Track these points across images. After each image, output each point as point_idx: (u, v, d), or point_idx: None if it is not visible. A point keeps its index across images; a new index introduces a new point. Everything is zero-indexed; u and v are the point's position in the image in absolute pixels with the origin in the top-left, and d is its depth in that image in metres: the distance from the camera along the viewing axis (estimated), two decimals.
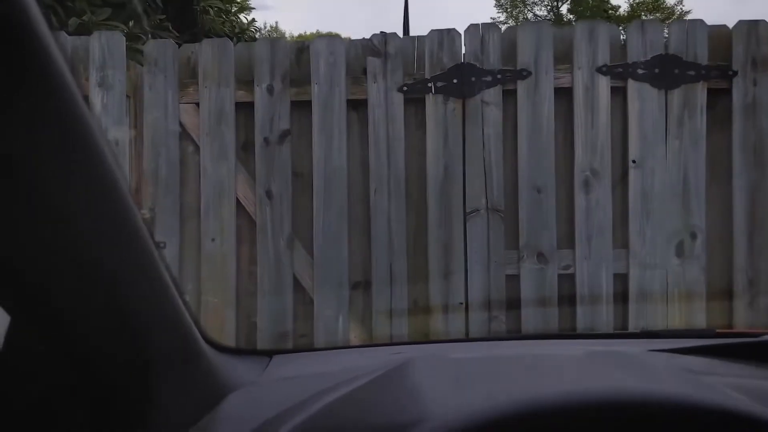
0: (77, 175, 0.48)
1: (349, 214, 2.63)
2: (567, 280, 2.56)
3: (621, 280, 2.55)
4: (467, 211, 2.59)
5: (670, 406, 0.50)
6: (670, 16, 22.31)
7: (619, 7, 23.92)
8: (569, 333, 2.30)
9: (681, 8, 23.64)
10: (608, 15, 21.93)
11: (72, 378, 0.64)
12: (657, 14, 22.03)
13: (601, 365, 0.64)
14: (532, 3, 26.22)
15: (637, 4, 23.63)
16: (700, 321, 2.48)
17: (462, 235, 2.58)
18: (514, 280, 2.57)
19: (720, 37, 2.57)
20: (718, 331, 1.09)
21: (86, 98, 0.47)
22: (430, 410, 0.54)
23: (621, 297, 2.54)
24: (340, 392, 0.69)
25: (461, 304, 2.57)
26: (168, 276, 0.65)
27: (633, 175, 2.55)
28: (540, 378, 0.60)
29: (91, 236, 0.52)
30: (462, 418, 0.51)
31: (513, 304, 2.55)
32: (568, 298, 2.55)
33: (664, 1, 23.70)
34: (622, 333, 1.86)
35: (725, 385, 0.60)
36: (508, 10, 26.48)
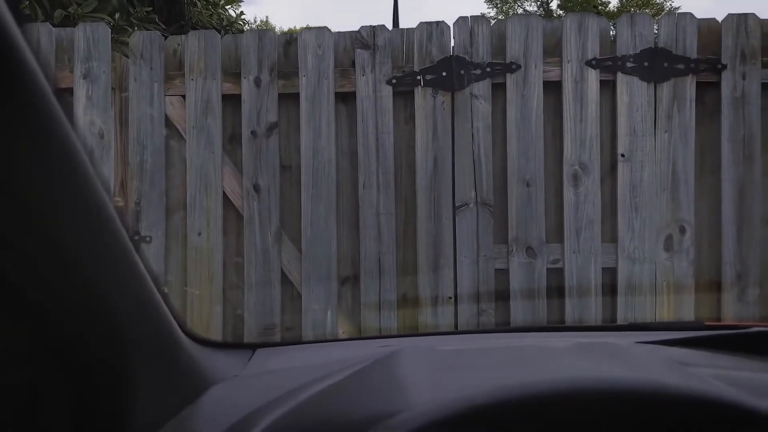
0: (51, 172, 0.47)
1: (337, 207, 2.62)
2: (556, 273, 2.56)
3: (610, 273, 2.55)
4: (456, 204, 2.58)
5: (657, 394, 0.49)
6: (659, 11, 22.41)
7: (609, 2, 23.99)
8: (558, 326, 2.30)
9: (670, 4, 23.74)
10: (598, 11, 22.00)
11: (49, 372, 0.63)
12: (646, 10, 22.12)
13: (587, 356, 0.63)
14: None
15: None
16: (689, 314, 2.49)
17: (451, 229, 2.57)
18: (503, 273, 2.57)
19: (709, 30, 2.56)
20: (706, 323, 1.09)
21: (59, 96, 0.46)
22: (411, 400, 0.52)
23: (609, 290, 2.54)
24: (323, 385, 0.68)
25: (450, 297, 2.56)
26: (145, 269, 0.63)
27: (622, 168, 2.55)
28: (524, 369, 0.59)
29: (65, 231, 0.51)
30: (438, 408, 0.49)
31: (502, 297, 2.55)
32: (556, 292, 2.55)
33: None
34: (610, 325, 1.85)
35: (712, 375, 0.59)
36: (498, 5, 26.50)
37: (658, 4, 23.67)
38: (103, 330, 0.62)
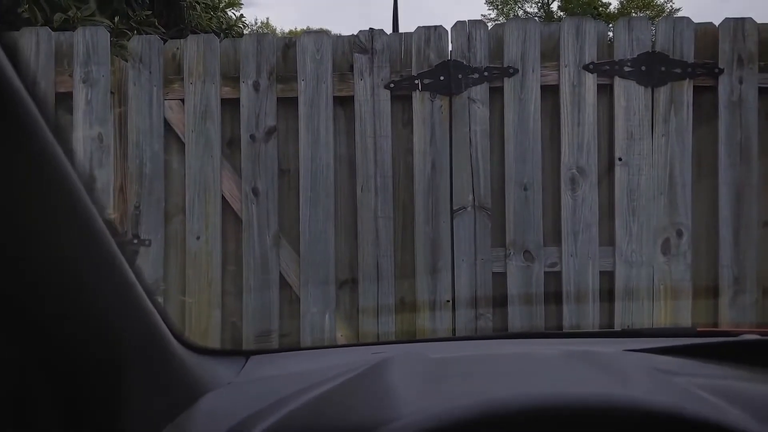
0: (34, 181, 0.47)
1: (335, 211, 2.62)
2: (553, 277, 2.56)
3: (607, 277, 2.55)
4: (454, 208, 2.58)
5: (636, 411, 0.49)
6: (659, 13, 22.41)
7: (610, 4, 24.00)
8: (552, 332, 2.30)
9: (671, 6, 23.75)
10: (598, 12, 22.00)
11: (42, 381, 0.63)
12: (647, 12, 22.12)
13: (574, 367, 0.63)
14: (523, 0, 26.28)
15: (627, 1, 23.71)
16: (686, 318, 2.49)
17: (449, 233, 2.58)
18: (500, 277, 2.57)
19: (706, 34, 2.57)
20: (698, 329, 1.09)
21: (43, 108, 0.46)
22: (399, 411, 0.53)
23: (607, 294, 2.54)
24: (315, 392, 0.69)
25: (448, 301, 2.57)
26: (135, 279, 0.64)
27: (619, 172, 2.55)
28: (512, 380, 0.60)
29: (52, 240, 0.52)
30: (426, 419, 0.50)
31: (500, 301, 2.55)
32: (554, 296, 2.55)
33: None
34: (603, 332, 1.86)
35: (697, 386, 0.59)
36: (499, 7, 26.53)
37: (658, 5, 23.67)
38: (93, 338, 0.63)
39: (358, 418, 0.57)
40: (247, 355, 0.98)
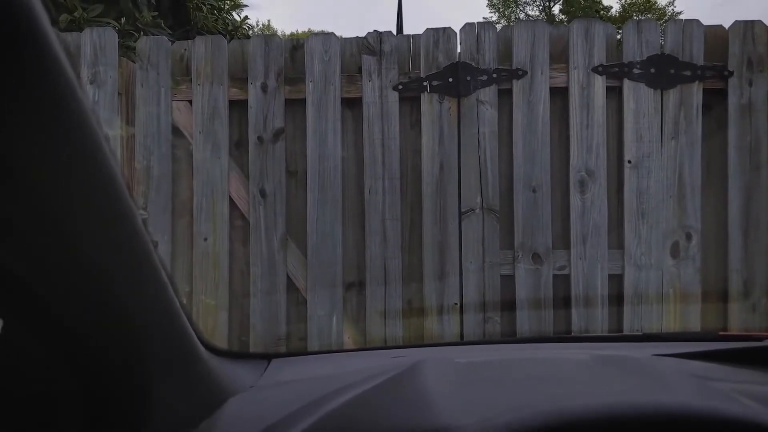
0: (76, 176, 0.46)
1: (343, 212, 2.61)
2: (562, 280, 2.55)
3: (616, 280, 2.54)
4: (462, 210, 2.57)
5: (702, 419, 0.48)
6: (661, 16, 22.42)
7: (611, 7, 24.03)
8: (570, 336, 2.29)
9: (673, 9, 23.77)
10: (600, 15, 22.01)
11: (70, 382, 0.63)
12: (649, 15, 22.13)
13: (612, 372, 0.62)
14: (524, 3, 26.30)
15: (629, 4, 23.74)
16: (695, 322, 2.48)
17: (457, 235, 2.57)
18: (509, 280, 2.56)
19: (716, 37, 2.56)
20: (720, 333, 1.08)
21: (84, 90, 0.45)
22: (451, 418, 0.52)
23: (616, 298, 2.53)
24: (349, 395, 0.67)
25: (456, 304, 2.56)
26: (166, 277, 0.63)
27: (628, 175, 2.54)
28: (557, 386, 0.58)
29: (89, 237, 0.51)
30: (490, 429, 0.49)
31: (508, 304, 2.54)
32: (563, 299, 2.54)
33: (656, 2, 23.82)
34: (623, 336, 1.84)
35: (736, 392, 0.58)
36: (501, 10, 26.55)
37: (660, 9, 23.70)
38: (123, 340, 0.62)
39: (398, 422, 0.55)
40: (269, 358, 0.97)
